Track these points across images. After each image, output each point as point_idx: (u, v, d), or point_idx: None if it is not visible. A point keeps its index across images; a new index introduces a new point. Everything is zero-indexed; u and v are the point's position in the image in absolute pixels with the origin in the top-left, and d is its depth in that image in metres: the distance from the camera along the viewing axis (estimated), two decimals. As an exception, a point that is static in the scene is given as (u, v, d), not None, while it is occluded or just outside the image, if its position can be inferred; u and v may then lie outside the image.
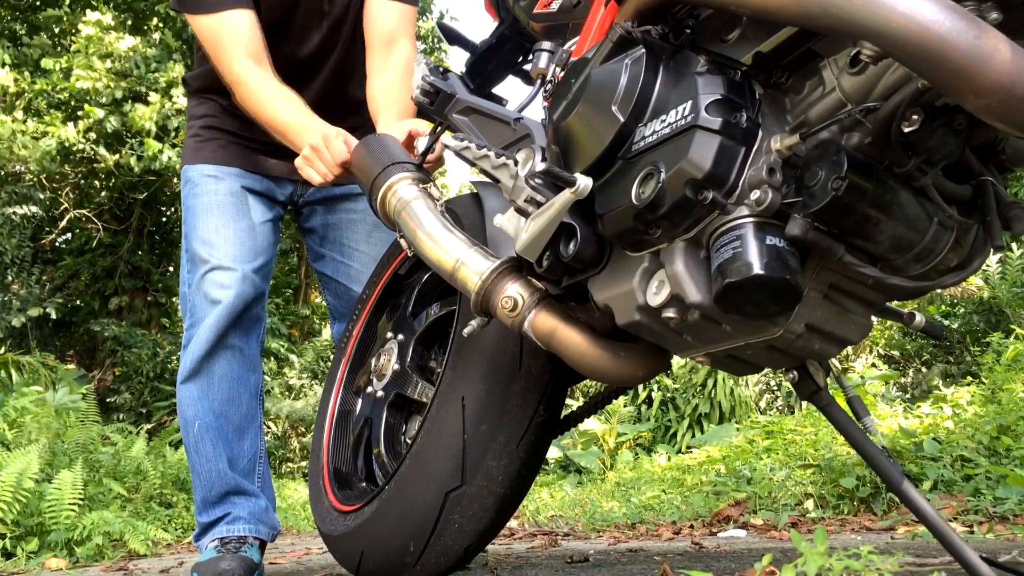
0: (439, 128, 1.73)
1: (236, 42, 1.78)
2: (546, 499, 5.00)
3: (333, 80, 2.00)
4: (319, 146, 1.66)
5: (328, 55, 1.97)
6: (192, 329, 1.85)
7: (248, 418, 1.87)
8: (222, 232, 1.90)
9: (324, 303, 15.34)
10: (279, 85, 1.80)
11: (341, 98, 2.04)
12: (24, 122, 9.21)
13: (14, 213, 9.00)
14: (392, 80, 1.90)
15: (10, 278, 9.21)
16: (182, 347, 1.88)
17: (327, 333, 12.11)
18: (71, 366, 9.36)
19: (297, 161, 1.70)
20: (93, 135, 9.16)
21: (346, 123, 2.04)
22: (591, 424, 7.66)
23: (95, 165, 9.53)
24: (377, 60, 1.91)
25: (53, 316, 9.66)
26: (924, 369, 7.43)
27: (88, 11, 9.49)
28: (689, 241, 0.98)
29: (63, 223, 10.40)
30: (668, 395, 7.99)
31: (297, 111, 1.77)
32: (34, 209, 9.33)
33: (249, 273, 1.87)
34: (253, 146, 1.99)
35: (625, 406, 7.99)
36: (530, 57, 1.42)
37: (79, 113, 9.22)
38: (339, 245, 2.07)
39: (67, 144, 8.86)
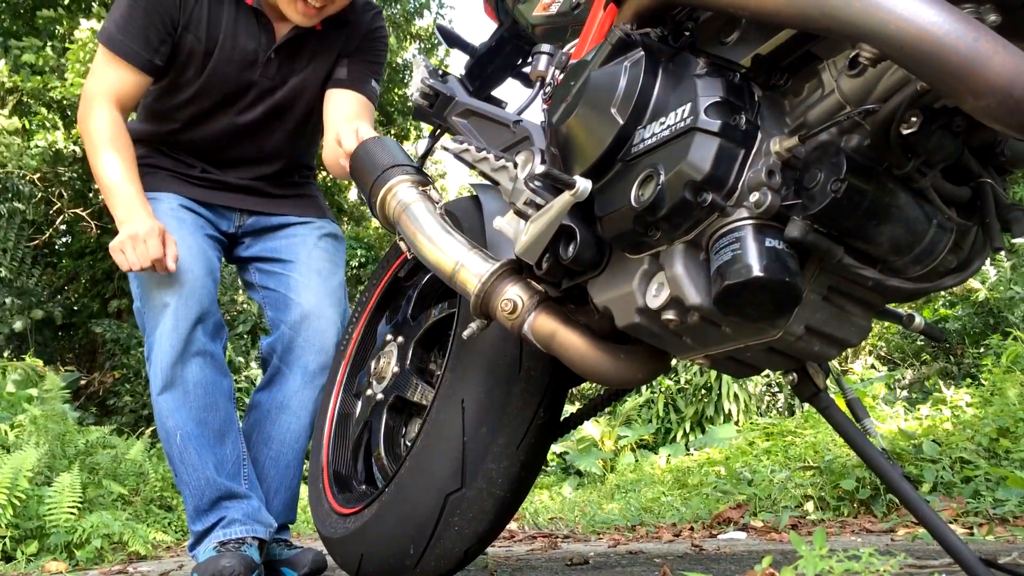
0: (438, 131, 1.74)
1: (114, 86, 1.84)
2: (546, 501, 5.00)
3: (277, 153, 2.08)
4: (138, 239, 1.70)
5: (272, 132, 2.03)
6: (151, 337, 1.81)
7: (227, 422, 1.85)
8: (172, 237, 1.85)
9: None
10: (125, 143, 1.83)
11: (287, 164, 2.12)
12: (10, 117, 9.20)
13: (6, 210, 8.96)
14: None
15: (8, 276, 9.18)
16: (145, 358, 1.84)
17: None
18: (69, 369, 9.34)
19: (113, 243, 1.72)
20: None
21: (285, 168, 2.12)
22: (590, 430, 7.67)
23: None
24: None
25: (59, 321, 9.63)
26: (923, 368, 7.43)
27: (83, 20, 9.45)
28: (688, 243, 0.98)
29: (59, 223, 10.39)
30: (670, 396, 7.99)
31: (124, 178, 1.79)
32: (22, 207, 9.27)
33: (201, 276, 1.83)
34: (191, 181, 2.01)
35: (620, 406, 7.99)
36: (529, 60, 1.42)
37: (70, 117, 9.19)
38: (281, 262, 2.06)
39: (55, 148, 8.84)
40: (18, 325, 8.89)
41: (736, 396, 7.69)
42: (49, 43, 9.99)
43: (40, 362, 6.01)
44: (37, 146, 8.79)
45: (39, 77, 9.24)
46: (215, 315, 1.86)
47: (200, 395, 1.81)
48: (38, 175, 9.39)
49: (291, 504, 2.04)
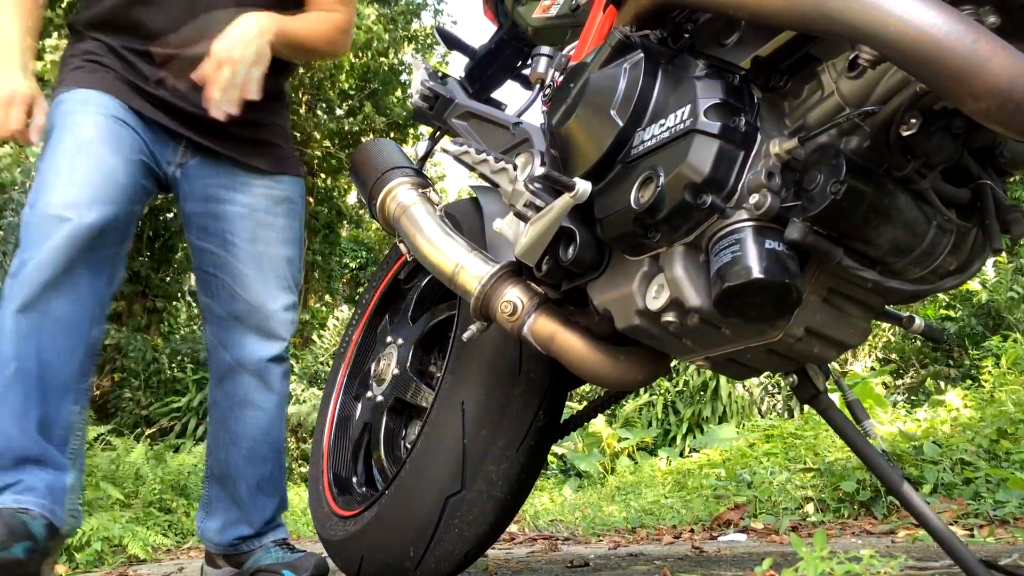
0: (438, 133, 1.74)
1: None
2: (546, 503, 5.00)
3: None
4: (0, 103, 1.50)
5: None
6: (29, 251, 1.50)
7: (76, 378, 1.53)
8: (92, 150, 1.58)
9: (322, 308, 14.90)
10: (21, 3, 1.63)
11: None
12: None
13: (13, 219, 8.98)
14: (313, 11, 1.75)
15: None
16: (9, 273, 1.52)
17: (324, 339, 12.10)
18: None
19: None
20: None
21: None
22: (597, 424, 7.67)
23: None
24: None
25: None
26: (922, 371, 7.43)
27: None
28: (688, 245, 0.98)
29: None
30: (669, 399, 7.99)
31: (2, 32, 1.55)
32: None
33: (117, 197, 1.55)
34: (141, 91, 1.70)
35: (620, 409, 7.99)
36: (529, 62, 1.42)
37: None
38: (223, 240, 1.79)
39: None
40: None
41: (736, 398, 7.70)
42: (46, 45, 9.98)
43: None
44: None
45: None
46: (112, 247, 1.57)
47: (58, 332, 1.50)
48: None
49: (278, 491, 1.90)
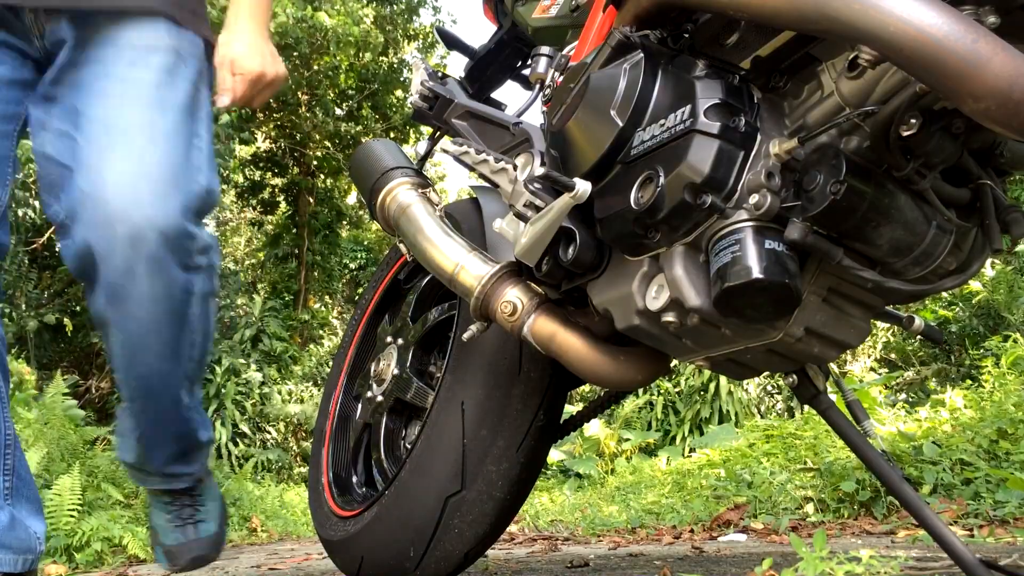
0: (438, 133, 1.74)
1: None
2: (546, 503, 5.00)
3: None
4: None
5: None
6: None
7: None
8: None
9: (322, 308, 14.89)
10: None
11: None
12: None
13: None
14: None
15: (7, 279, 9.19)
16: None
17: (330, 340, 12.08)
18: (67, 376, 9.35)
19: None
20: None
21: None
22: (594, 429, 7.67)
23: None
24: None
25: (68, 330, 9.61)
26: (923, 368, 7.44)
27: None
28: (688, 245, 0.98)
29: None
30: (669, 399, 8.00)
31: None
32: (24, 212, 9.26)
33: None
34: None
35: (619, 409, 7.99)
36: (529, 62, 1.42)
37: None
38: (70, 112, 1.19)
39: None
40: (31, 325, 8.89)
41: (736, 398, 7.70)
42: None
43: (24, 363, 6.00)
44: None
45: None
46: None
47: None
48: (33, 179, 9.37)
49: (162, 434, 1.35)
